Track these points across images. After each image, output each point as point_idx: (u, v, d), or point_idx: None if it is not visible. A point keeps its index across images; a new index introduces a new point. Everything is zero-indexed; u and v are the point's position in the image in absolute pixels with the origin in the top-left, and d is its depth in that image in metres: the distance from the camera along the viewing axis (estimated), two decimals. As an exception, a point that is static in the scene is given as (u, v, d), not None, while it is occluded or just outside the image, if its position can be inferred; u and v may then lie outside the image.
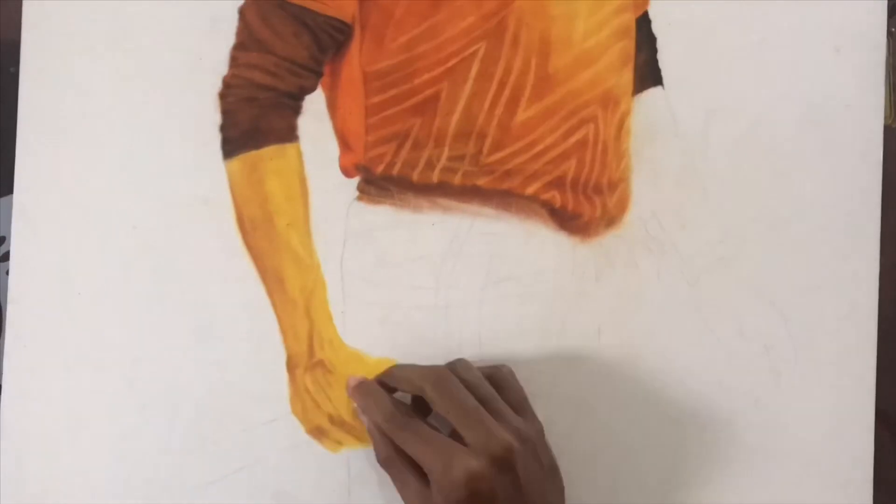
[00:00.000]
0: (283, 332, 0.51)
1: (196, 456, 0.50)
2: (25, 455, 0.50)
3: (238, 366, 0.50)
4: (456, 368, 0.47)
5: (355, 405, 0.49)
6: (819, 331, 0.51)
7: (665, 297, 0.51)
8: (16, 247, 0.50)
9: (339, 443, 0.51)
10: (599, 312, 0.51)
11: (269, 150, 0.50)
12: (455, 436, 0.44)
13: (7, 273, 0.51)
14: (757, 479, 0.51)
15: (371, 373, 0.50)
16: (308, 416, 0.50)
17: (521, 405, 0.47)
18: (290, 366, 0.51)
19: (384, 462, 0.46)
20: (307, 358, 0.50)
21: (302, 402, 0.50)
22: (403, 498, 0.45)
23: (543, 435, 0.46)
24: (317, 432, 0.50)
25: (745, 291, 0.51)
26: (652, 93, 0.51)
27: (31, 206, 0.50)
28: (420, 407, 0.48)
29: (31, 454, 0.50)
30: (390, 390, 0.49)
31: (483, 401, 0.45)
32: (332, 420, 0.50)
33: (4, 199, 0.52)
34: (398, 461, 0.45)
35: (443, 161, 0.51)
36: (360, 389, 0.49)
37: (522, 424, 0.45)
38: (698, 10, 0.51)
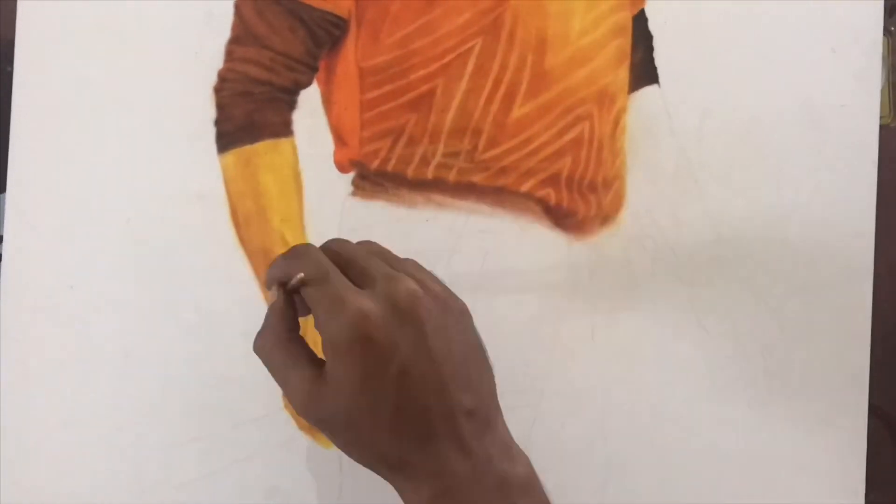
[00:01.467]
0: (277, 327, 0.50)
1: (187, 451, 0.50)
2: (16, 448, 0.50)
3: (230, 361, 0.50)
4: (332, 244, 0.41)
5: (267, 287, 0.41)
6: (813, 330, 0.51)
7: (659, 295, 0.51)
8: (8, 240, 0.50)
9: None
10: (593, 310, 0.51)
11: (263, 145, 0.50)
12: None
13: None
14: (749, 478, 0.50)
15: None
16: (300, 411, 0.50)
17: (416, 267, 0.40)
18: (283, 361, 0.50)
19: (264, 346, 0.39)
20: (300, 353, 0.50)
21: (294, 398, 0.50)
22: (285, 389, 0.38)
23: (468, 314, 0.40)
24: (308, 428, 0.50)
25: (739, 290, 0.51)
26: (648, 91, 0.51)
27: (24, 200, 0.50)
28: None
29: (21, 447, 0.50)
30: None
31: (363, 267, 0.38)
32: (325, 416, 0.50)
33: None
34: (284, 342, 0.38)
35: (438, 157, 0.50)
36: (276, 261, 0.40)
37: (435, 283, 0.38)
38: (694, 8, 0.51)
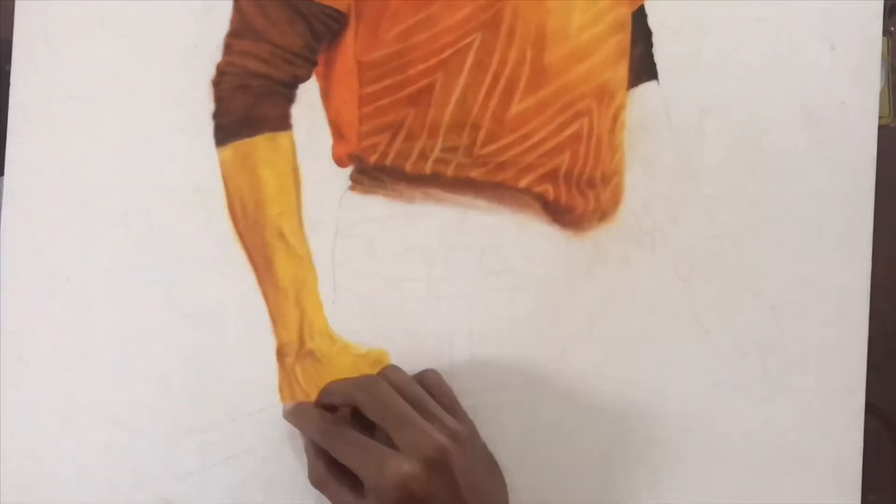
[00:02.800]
0: (274, 320, 0.50)
1: (185, 444, 0.50)
2: (13, 441, 0.50)
3: (228, 354, 0.50)
4: (386, 374, 0.47)
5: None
6: (810, 327, 0.51)
7: (656, 291, 0.51)
8: (6, 234, 0.50)
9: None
10: (591, 306, 0.51)
11: (261, 139, 0.50)
12: (390, 443, 0.43)
13: None
14: (746, 475, 0.51)
15: (361, 363, 0.50)
16: (297, 405, 0.50)
17: (452, 406, 0.47)
18: (280, 355, 0.50)
19: (317, 482, 0.46)
20: (297, 347, 0.50)
21: (291, 392, 0.50)
22: None
23: (477, 433, 0.47)
24: (305, 422, 0.50)
25: (736, 287, 0.51)
26: (647, 87, 0.51)
27: (22, 193, 0.50)
28: (361, 422, 0.47)
29: (18, 441, 0.50)
30: (331, 409, 0.48)
31: (414, 402, 0.45)
32: (322, 410, 0.50)
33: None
34: (331, 479, 0.45)
35: (436, 152, 0.50)
36: (294, 410, 0.49)
37: (455, 424, 0.45)
38: (694, 5, 0.51)
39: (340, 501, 0.44)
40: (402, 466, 0.42)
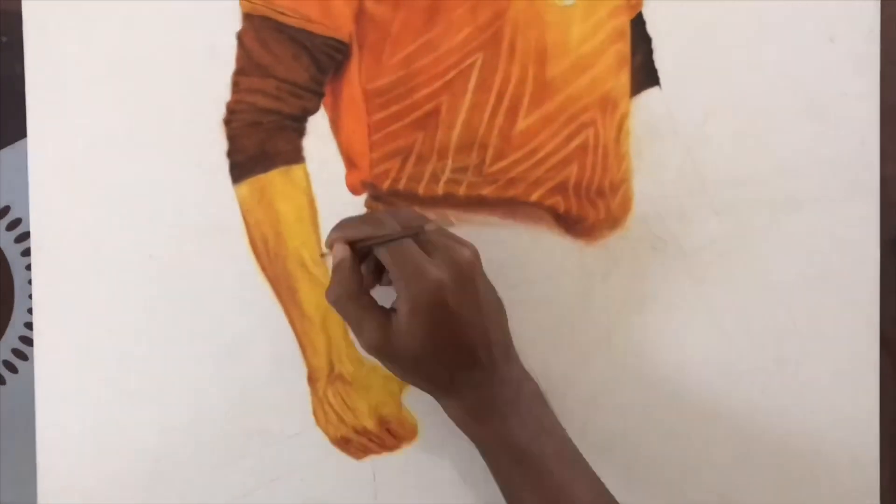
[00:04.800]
0: (302, 347, 0.52)
1: (226, 472, 0.52)
2: (58, 482, 0.52)
3: (261, 383, 0.52)
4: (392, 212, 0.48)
5: (327, 246, 0.48)
6: (822, 318, 0.52)
7: (671, 293, 0.52)
8: (37, 282, 0.52)
9: (364, 451, 0.52)
10: (608, 313, 0.52)
11: (276, 173, 0.51)
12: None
13: (15, 241, 0.54)
14: (766, 464, 0.52)
15: (389, 384, 0.52)
16: (332, 426, 0.52)
17: (454, 237, 0.48)
18: (312, 380, 0.52)
19: (339, 296, 0.46)
20: (327, 371, 0.52)
21: (325, 414, 0.52)
22: (359, 334, 0.46)
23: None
24: (342, 442, 0.52)
25: (749, 284, 0.52)
26: (649, 93, 0.52)
27: (49, 244, 0.51)
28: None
29: (61, 480, 0.52)
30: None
31: (425, 236, 0.46)
32: (357, 430, 0.52)
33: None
34: (356, 294, 0.46)
35: (447, 173, 0.52)
36: (341, 223, 0.48)
37: (471, 246, 0.47)
38: (691, 8, 0.51)
39: (362, 317, 0.45)
40: (437, 273, 0.44)
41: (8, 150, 0.54)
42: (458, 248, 0.46)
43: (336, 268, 0.46)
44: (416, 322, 0.44)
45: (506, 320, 0.49)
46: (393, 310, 0.46)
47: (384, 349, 0.45)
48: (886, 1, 0.51)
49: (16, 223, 0.55)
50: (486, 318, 0.46)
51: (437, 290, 0.44)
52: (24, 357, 0.55)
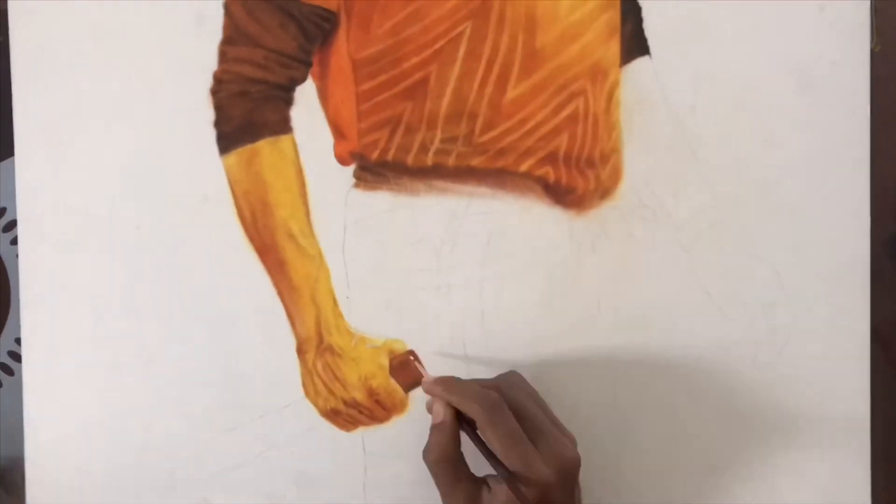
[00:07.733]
0: (291, 319, 0.52)
1: (216, 444, 0.52)
2: (48, 455, 0.52)
3: (250, 355, 0.52)
4: (506, 387, 0.47)
5: (430, 401, 0.48)
6: (813, 287, 0.52)
7: (662, 263, 0.52)
8: (24, 256, 0.51)
9: (354, 422, 0.52)
10: (599, 283, 0.52)
11: (264, 143, 0.51)
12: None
13: (11, 243, 0.54)
14: (758, 434, 0.52)
15: (377, 354, 0.52)
16: (321, 398, 0.52)
17: (555, 420, 0.47)
18: (301, 351, 0.52)
19: (438, 460, 0.45)
20: (316, 343, 0.52)
21: (314, 386, 0.52)
22: (448, 498, 0.45)
23: None
24: (331, 414, 0.52)
25: (739, 253, 0.52)
26: (639, 62, 0.51)
27: (35, 218, 0.51)
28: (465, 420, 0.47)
29: (50, 451, 0.52)
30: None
31: (535, 418, 0.46)
32: (346, 402, 0.52)
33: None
34: (454, 461, 0.45)
35: (436, 143, 0.51)
36: (444, 383, 0.47)
37: (572, 444, 0.46)
38: (682, -24, 0.51)
39: (455, 483, 0.45)
40: (546, 474, 0.43)
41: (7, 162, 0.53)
42: (565, 443, 0.45)
43: (436, 428, 0.46)
44: None
45: None
46: (486, 483, 0.45)
47: None
48: (877, -31, 0.51)
49: (12, 225, 0.54)
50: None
51: (545, 491, 0.43)
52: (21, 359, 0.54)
